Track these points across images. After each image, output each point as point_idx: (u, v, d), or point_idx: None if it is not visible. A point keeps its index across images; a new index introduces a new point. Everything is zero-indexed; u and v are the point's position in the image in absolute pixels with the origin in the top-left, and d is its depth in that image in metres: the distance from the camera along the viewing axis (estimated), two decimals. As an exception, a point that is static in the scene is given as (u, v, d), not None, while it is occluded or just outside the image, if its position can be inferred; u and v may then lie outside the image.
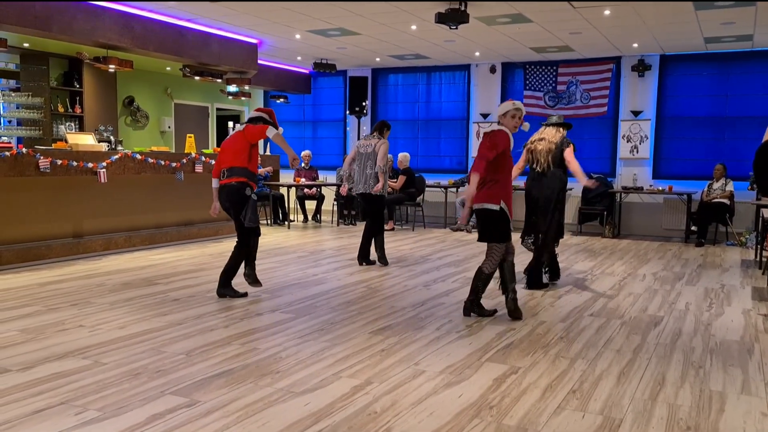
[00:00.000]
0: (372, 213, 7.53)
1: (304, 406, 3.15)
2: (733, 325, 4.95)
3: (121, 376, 3.53)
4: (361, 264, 7.45)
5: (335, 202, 12.13)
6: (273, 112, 5.89)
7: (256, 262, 5.92)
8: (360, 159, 7.45)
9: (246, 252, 5.63)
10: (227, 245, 8.81)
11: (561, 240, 6.50)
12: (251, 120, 5.72)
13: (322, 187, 12.24)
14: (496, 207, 4.88)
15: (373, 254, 7.58)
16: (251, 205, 5.49)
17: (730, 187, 9.84)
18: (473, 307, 5.05)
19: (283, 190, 11.90)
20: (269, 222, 11.70)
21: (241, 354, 3.97)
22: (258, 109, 5.88)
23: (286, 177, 12.94)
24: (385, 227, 10.96)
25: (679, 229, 10.71)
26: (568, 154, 6.12)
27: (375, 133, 7.53)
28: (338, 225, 11.74)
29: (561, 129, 6.29)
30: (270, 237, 9.87)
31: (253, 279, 5.71)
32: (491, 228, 4.95)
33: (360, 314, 5.06)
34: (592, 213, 10.95)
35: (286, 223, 11.55)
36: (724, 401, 3.34)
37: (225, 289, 5.59)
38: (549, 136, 6.22)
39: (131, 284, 6.06)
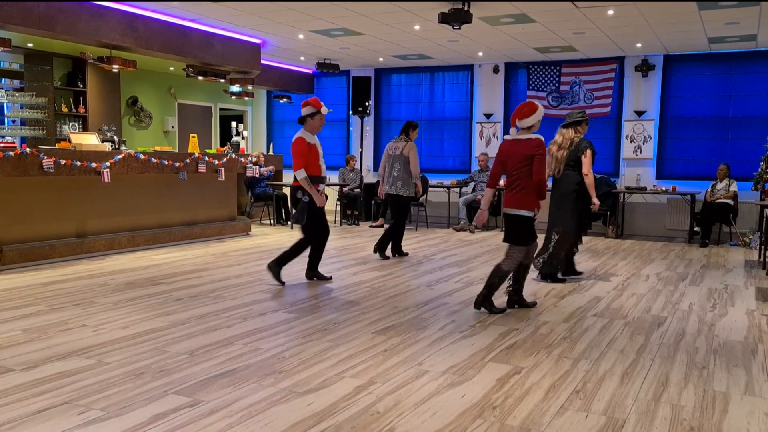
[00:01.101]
0: (395, 212, 7.90)
1: (307, 406, 3.15)
2: (737, 325, 4.94)
3: (124, 376, 3.53)
4: (375, 252, 7.91)
5: (338, 202, 12.13)
6: (315, 101, 6.14)
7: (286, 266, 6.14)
8: (388, 161, 7.84)
9: (307, 246, 6.17)
10: (230, 245, 8.83)
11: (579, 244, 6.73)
12: (301, 119, 6.21)
13: (325, 187, 12.22)
14: (530, 214, 5.01)
15: (389, 250, 8.00)
16: (300, 207, 6.12)
17: (734, 187, 9.82)
18: (485, 302, 5.11)
19: (286, 190, 11.91)
20: (272, 222, 11.72)
21: (244, 354, 3.97)
22: (303, 104, 6.18)
23: (289, 177, 12.94)
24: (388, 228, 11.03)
25: (682, 230, 10.69)
26: (586, 166, 6.26)
27: (402, 135, 7.88)
28: (341, 225, 11.74)
29: (578, 129, 6.39)
30: (273, 237, 9.88)
31: (317, 277, 6.36)
32: (515, 231, 5.07)
33: (363, 314, 5.06)
34: (596, 213, 10.92)
35: (289, 222, 11.55)
36: (727, 402, 3.34)
37: (276, 266, 6.08)
38: (560, 139, 6.39)
39: (134, 284, 6.07)
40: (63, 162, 7.11)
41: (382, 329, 4.62)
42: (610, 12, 8.06)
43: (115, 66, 9.02)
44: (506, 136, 5.22)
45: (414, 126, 7.94)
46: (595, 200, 6.39)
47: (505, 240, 5.16)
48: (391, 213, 8.09)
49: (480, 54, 11.30)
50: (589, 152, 6.27)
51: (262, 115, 14.64)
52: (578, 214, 6.43)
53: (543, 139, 5.03)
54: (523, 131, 5.07)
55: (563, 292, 6.04)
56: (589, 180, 6.31)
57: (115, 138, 9.86)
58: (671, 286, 6.51)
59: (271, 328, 4.60)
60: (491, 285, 5.10)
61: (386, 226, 11.17)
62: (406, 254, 8.09)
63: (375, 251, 7.90)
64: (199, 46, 9.43)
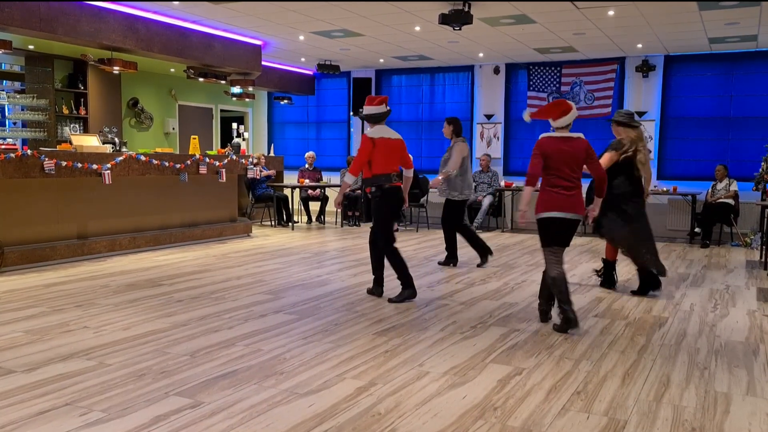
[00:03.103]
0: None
1: (308, 407, 3.15)
2: (738, 326, 4.94)
3: (126, 377, 3.54)
4: (485, 264, 7.59)
5: (339, 203, 12.14)
6: (371, 99, 5.71)
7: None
8: (467, 164, 7.56)
9: (386, 257, 5.62)
10: (231, 246, 8.83)
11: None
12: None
13: (326, 188, 12.25)
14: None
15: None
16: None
17: (735, 187, 9.82)
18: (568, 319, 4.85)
19: (287, 191, 11.91)
20: (273, 223, 11.72)
21: (245, 355, 3.97)
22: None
23: (290, 178, 12.96)
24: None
25: (683, 230, 10.69)
26: (603, 159, 5.71)
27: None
28: (342, 226, 11.74)
29: (623, 130, 5.91)
30: (274, 238, 9.88)
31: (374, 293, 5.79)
32: (571, 235, 4.90)
33: (364, 315, 5.06)
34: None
35: (290, 224, 11.56)
36: (729, 402, 3.33)
37: (406, 287, 5.58)
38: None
39: (136, 285, 6.08)
40: (64, 164, 7.12)
41: (383, 330, 4.62)
42: (611, 12, 8.06)
43: (115, 68, 9.03)
44: (546, 134, 4.84)
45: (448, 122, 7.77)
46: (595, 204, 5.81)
47: (566, 245, 4.80)
48: (460, 218, 7.66)
49: (480, 55, 11.30)
50: (613, 152, 5.84)
51: (262, 117, 14.65)
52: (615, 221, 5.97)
53: None
54: (561, 130, 4.80)
55: (564, 293, 6.03)
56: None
57: (116, 139, 9.86)
58: (672, 286, 6.50)
59: (272, 329, 4.60)
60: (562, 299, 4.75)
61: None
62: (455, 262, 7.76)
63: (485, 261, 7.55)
64: (200, 48, 9.44)
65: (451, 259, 7.62)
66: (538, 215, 4.75)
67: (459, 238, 7.60)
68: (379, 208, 5.58)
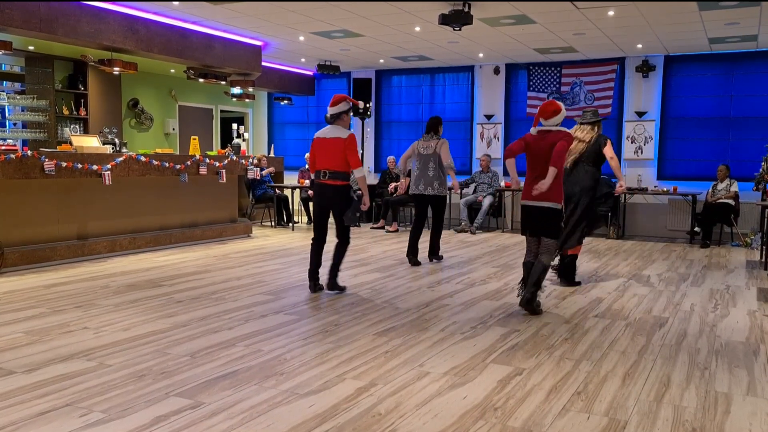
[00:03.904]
0: (437, 213, 7.73)
1: (309, 408, 3.15)
2: (739, 326, 4.94)
3: (126, 378, 3.54)
4: (430, 261, 7.82)
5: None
6: (337, 98, 6.23)
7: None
8: (420, 160, 7.57)
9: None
10: (232, 247, 8.83)
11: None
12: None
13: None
14: (560, 206, 5.15)
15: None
16: (354, 206, 6.22)
17: (735, 187, 9.82)
18: (532, 301, 5.12)
19: (287, 192, 11.92)
20: (273, 224, 11.72)
21: (245, 355, 3.97)
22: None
23: (290, 178, 12.96)
24: (389, 229, 11.05)
25: (683, 230, 10.69)
26: (609, 150, 6.24)
27: (431, 133, 7.60)
28: (342, 226, 11.73)
29: (596, 127, 6.38)
30: (274, 239, 9.88)
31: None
32: (553, 224, 5.14)
33: (364, 316, 5.06)
34: (602, 215, 10.92)
35: (290, 224, 11.56)
36: (729, 403, 3.33)
37: (333, 281, 5.98)
38: (581, 134, 6.35)
39: (136, 286, 6.08)
40: (64, 164, 7.12)
41: (383, 331, 4.62)
42: (611, 13, 8.06)
43: (116, 68, 9.03)
44: (532, 130, 5.29)
45: (441, 121, 7.73)
46: (622, 182, 6.41)
47: (541, 234, 5.13)
48: (433, 214, 7.72)
49: (480, 55, 11.31)
50: (609, 142, 6.29)
51: (262, 117, 14.65)
52: (592, 211, 6.38)
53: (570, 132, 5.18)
54: (548, 127, 5.17)
55: (564, 293, 6.04)
56: (616, 162, 6.27)
57: (116, 140, 9.85)
58: (672, 286, 6.51)
59: (273, 329, 4.60)
60: (538, 282, 5.10)
61: (392, 228, 11.17)
62: (441, 257, 7.98)
63: (430, 260, 7.77)
64: (200, 48, 9.45)
65: (432, 254, 7.86)
66: None
67: (444, 234, 7.66)
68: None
